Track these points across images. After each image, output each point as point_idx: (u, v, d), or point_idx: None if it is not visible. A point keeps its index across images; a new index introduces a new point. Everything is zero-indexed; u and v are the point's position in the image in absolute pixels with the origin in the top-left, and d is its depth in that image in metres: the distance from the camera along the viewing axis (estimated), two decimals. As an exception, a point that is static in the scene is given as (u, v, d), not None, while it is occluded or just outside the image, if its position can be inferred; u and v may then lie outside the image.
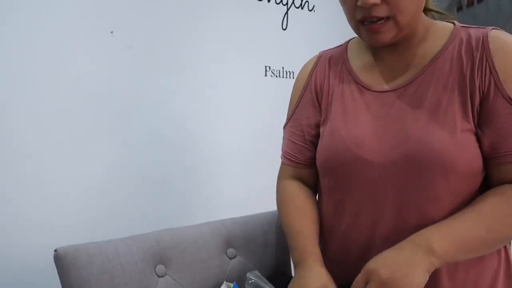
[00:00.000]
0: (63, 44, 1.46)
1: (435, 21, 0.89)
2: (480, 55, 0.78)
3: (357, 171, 0.84)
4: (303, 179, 1.02)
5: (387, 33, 0.80)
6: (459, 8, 4.26)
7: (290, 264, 1.22)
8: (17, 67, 1.38)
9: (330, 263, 0.94)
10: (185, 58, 1.74)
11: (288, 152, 1.02)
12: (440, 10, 0.93)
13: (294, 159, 1.01)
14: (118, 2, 1.57)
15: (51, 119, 1.44)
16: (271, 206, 1.19)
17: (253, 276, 0.95)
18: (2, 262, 1.35)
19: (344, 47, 0.99)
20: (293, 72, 2.05)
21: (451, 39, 0.83)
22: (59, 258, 0.87)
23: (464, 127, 0.77)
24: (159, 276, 0.97)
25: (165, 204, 1.69)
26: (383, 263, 0.72)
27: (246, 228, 1.14)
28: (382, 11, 0.77)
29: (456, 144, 0.76)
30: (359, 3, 0.77)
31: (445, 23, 0.89)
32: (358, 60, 0.94)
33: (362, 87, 0.90)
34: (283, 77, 2.02)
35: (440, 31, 0.86)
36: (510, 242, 0.93)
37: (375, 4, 0.76)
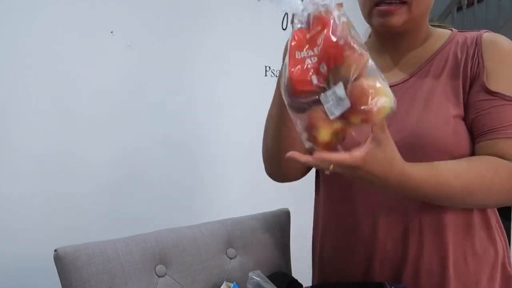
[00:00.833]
0: (63, 44, 1.46)
1: (436, 28, 0.96)
2: (473, 50, 0.85)
3: None
4: None
5: (400, 17, 0.84)
6: (459, 8, 4.26)
7: (290, 264, 1.22)
8: (17, 67, 1.39)
9: (328, 258, 0.99)
10: (185, 58, 1.74)
11: None
12: (442, 24, 0.99)
13: None
14: (118, 2, 1.57)
15: (51, 119, 1.44)
16: (271, 206, 1.19)
17: (255, 276, 0.95)
18: (2, 262, 1.35)
19: None
20: (293, 72, 2.05)
21: (448, 42, 0.90)
22: (59, 258, 0.87)
23: (456, 114, 0.83)
24: (159, 276, 0.97)
25: (166, 204, 1.69)
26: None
27: (246, 228, 1.14)
28: None
29: (450, 129, 0.82)
30: None
31: (445, 30, 0.95)
32: None
33: None
34: (283, 77, 2.02)
35: (440, 35, 0.92)
36: (510, 238, 0.94)
37: None
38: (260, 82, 1.95)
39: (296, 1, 0.68)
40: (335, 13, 0.65)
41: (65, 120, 1.47)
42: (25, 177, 1.40)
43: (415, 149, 0.78)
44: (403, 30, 0.87)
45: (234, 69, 1.87)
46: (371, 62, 0.63)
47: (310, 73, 0.65)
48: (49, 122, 1.44)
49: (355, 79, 0.63)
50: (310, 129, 0.65)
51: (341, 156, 0.65)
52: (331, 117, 0.63)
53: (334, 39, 0.63)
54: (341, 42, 0.63)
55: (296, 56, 0.67)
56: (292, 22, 0.69)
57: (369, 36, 1.02)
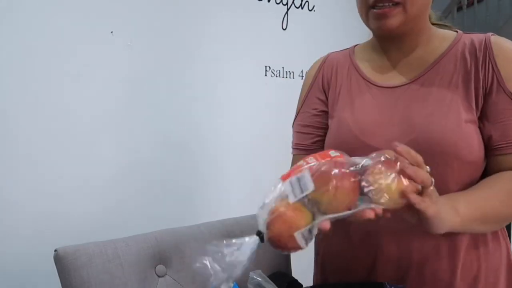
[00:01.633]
0: (63, 44, 1.46)
1: (439, 28, 0.94)
2: (483, 55, 0.84)
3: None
4: None
5: (395, 19, 0.83)
6: (459, 8, 4.26)
7: (290, 264, 1.22)
8: (17, 67, 1.39)
9: (330, 257, 0.99)
10: (185, 58, 1.74)
11: (296, 143, 1.06)
12: (446, 23, 0.98)
13: (302, 147, 1.04)
14: (118, 2, 1.57)
15: (51, 119, 1.44)
16: (271, 206, 1.18)
17: (256, 276, 0.95)
18: (2, 262, 1.35)
19: (351, 50, 1.03)
20: (293, 72, 2.05)
21: (454, 43, 0.88)
22: (59, 258, 0.87)
23: (467, 118, 0.82)
24: (159, 276, 0.97)
25: (166, 204, 1.69)
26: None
27: (246, 228, 1.14)
28: None
29: (460, 133, 0.81)
30: None
31: (449, 30, 0.94)
32: (365, 60, 0.98)
33: (369, 82, 0.93)
34: (283, 77, 2.02)
35: (444, 37, 0.91)
36: (510, 238, 0.95)
37: None
38: (260, 82, 1.95)
39: None
40: None
41: (65, 120, 1.47)
42: (25, 177, 1.40)
43: (423, 152, 0.77)
44: (401, 31, 0.86)
45: (234, 69, 1.87)
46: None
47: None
48: (49, 122, 1.44)
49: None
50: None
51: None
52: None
53: None
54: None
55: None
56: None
57: (371, 40, 1.02)
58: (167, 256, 1.00)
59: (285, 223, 0.65)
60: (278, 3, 1.99)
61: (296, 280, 1.11)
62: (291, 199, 0.64)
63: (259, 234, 0.69)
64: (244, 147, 1.89)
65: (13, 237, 1.37)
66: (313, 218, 0.64)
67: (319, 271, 1.05)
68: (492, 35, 0.87)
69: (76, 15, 1.48)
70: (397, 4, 0.82)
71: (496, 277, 0.87)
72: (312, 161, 0.66)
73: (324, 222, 0.64)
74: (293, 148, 1.07)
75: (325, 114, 1.00)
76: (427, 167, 0.67)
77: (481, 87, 0.83)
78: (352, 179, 0.63)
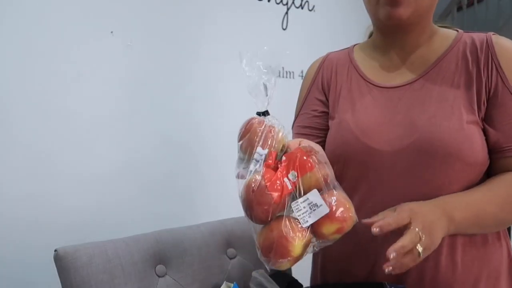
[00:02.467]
0: (63, 44, 1.46)
1: (441, 28, 0.94)
2: (485, 55, 0.83)
3: (364, 159, 0.87)
4: None
5: (407, 8, 0.82)
6: (459, 8, 4.25)
7: (290, 264, 1.22)
8: (17, 67, 1.39)
9: (330, 259, 0.99)
10: (185, 58, 1.74)
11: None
12: (447, 25, 0.97)
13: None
14: (118, 2, 1.57)
15: (51, 118, 1.44)
16: (271, 206, 1.18)
17: (258, 275, 0.96)
18: (2, 261, 1.35)
19: (350, 49, 1.02)
20: (293, 72, 2.05)
21: (456, 42, 0.88)
22: (59, 258, 0.87)
23: (470, 120, 0.81)
24: (159, 276, 0.97)
25: (166, 204, 1.69)
26: (422, 211, 0.74)
27: (246, 228, 1.14)
28: None
29: (462, 134, 0.80)
30: None
31: (450, 30, 0.93)
32: (364, 60, 0.97)
33: (370, 83, 0.93)
34: (283, 77, 2.02)
35: (445, 36, 0.90)
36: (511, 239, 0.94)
37: None
38: (260, 82, 1.95)
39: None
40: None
41: (65, 119, 1.47)
42: (25, 177, 1.40)
43: (425, 153, 0.76)
44: (409, 24, 0.86)
45: (234, 69, 1.86)
46: (333, 176, 0.69)
47: (283, 179, 0.65)
48: (49, 122, 1.44)
49: (329, 189, 0.66)
50: (280, 241, 0.63)
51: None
52: (304, 225, 0.63)
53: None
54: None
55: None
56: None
57: (369, 36, 1.01)
58: (167, 256, 1.00)
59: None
60: (278, 3, 1.99)
61: (296, 280, 1.11)
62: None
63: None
64: (244, 147, 1.89)
65: (13, 237, 1.37)
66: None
67: (319, 272, 1.04)
68: (493, 34, 0.86)
69: (76, 15, 1.48)
70: None
71: (497, 277, 0.87)
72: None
73: None
74: None
75: (325, 115, 1.00)
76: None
77: (484, 88, 0.82)
78: None
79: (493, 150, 0.83)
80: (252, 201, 0.65)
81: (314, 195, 0.64)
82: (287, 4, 2.02)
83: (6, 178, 1.37)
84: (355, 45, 1.03)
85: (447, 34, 0.90)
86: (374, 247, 0.87)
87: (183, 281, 1.00)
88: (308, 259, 1.12)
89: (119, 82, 1.58)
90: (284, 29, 2.02)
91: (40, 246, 1.33)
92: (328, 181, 0.67)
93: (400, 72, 0.90)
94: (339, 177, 0.91)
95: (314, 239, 0.66)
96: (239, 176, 0.74)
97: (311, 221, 0.63)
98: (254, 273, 0.98)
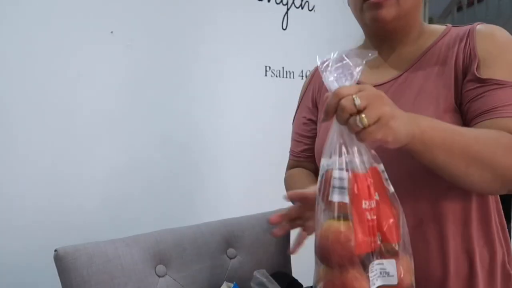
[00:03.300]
0: (63, 44, 1.46)
1: (431, 25, 0.95)
2: (465, 43, 0.84)
3: None
4: (304, 168, 1.11)
5: (390, 10, 0.85)
6: (459, 8, 4.26)
7: (290, 264, 1.22)
8: (17, 67, 1.39)
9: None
10: (185, 58, 1.74)
11: (291, 149, 1.13)
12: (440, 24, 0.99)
13: (293, 153, 1.12)
14: (118, 2, 1.57)
15: (51, 119, 1.44)
16: (271, 205, 1.19)
17: (259, 275, 0.96)
18: (2, 262, 1.35)
19: None
20: (293, 72, 2.05)
21: (442, 36, 0.90)
22: (59, 258, 0.87)
23: (447, 108, 0.82)
24: (159, 276, 0.97)
25: (166, 204, 1.69)
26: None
27: (246, 228, 1.14)
28: None
29: None
30: None
31: (439, 26, 0.94)
32: None
33: (358, 83, 0.93)
34: (283, 77, 2.02)
35: (433, 32, 0.92)
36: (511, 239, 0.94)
37: None
38: (260, 82, 1.95)
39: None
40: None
41: (65, 120, 1.47)
42: (25, 177, 1.40)
43: (404, 149, 0.76)
44: (394, 26, 0.88)
45: (234, 69, 1.87)
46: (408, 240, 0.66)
47: (373, 233, 0.63)
48: (49, 122, 1.44)
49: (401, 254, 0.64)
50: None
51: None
52: (372, 287, 0.62)
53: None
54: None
55: (363, 206, 0.62)
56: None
57: (364, 42, 1.02)
58: (167, 256, 1.00)
59: None
60: (278, 3, 1.99)
61: (296, 280, 1.11)
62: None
63: None
64: (244, 147, 1.89)
65: (13, 237, 1.37)
66: None
67: None
68: (479, 23, 0.87)
69: (76, 15, 1.48)
70: None
71: (491, 274, 0.87)
72: None
73: None
74: (289, 154, 1.14)
75: (312, 123, 1.05)
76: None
77: (460, 73, 0.83)
78: None
79: (472, 118, 0.80)
80: (335, 250, 0.63)
81: (390, 264, 0.63)
82: (287, 4, 2.02)
83: (6, 178, 1.37)
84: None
85: (436, 30, 0.92)
86: None
87: (183, 281, 1.00)
88: (308, 259, 1.12)
89: (119, 82, 1.58)
90: (284, 29, 2.02)
91: (40, 246, 1.34)
92: (405, 246, 0.65)
93: (388, 70, 0.93)
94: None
95: None
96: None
97: (377, 284, 0.63)
98: (255, 273, 0.98)
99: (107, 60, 1.55)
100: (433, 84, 0.84)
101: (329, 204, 0.63)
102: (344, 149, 0.63)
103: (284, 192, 1.35)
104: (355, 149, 0.64)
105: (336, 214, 0.61)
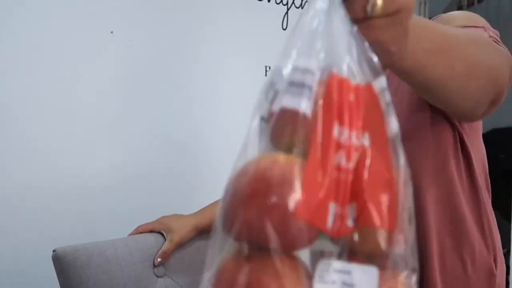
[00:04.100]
0: (63, 44, 1.46)
1: None
2: None
3: None
4: None
5: None
6: (459, 8, 4.25)
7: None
8: (17, 67, 1.38)
9: None
10: (185, 58, 1.74)
11: None
12: None
13: None
14: (118, 2, 1.56)
15: (51, 118, 1.44)
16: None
17: None
18: (0, 262, 1.35)
19: None
20: (293, 72, 2.05)
21: None
22: (58, 258, 0.87)
23: (420, 106, 0.81)
24: (158, 277, 0.97)
25: (165, 205, 1.68)
26: None
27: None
28: None
29: (412, 121, 0.81)
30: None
31: None
32: None
33: None
34: (283, 77, 2.01)
35: None
36: (510, 239, 0.93)
37: None
38: (260, 82, 1.93)
39: None
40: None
41: (64, 120, 1.47)
42: (24, 176, 1.40)
43: None
44: None
45: (234, 69, 1.86)
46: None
47: (331, 209, 0.31)
48: (49, 122, 1.44)
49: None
50: None
51: None
52: None
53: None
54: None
55: (333, 134, 0.33)
56: None
57: None
58: (166, 256, 1.00)
59: None
60: (278, 3, 1.99)
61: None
62: None
63: None
64: (244, 147, 1.89)
65: (11, 237, 1.37)
66: None
67: None
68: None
69: (76, 15, 1.48)
70: None
71: (474, 273, 0.86)
72: None
73: None
74: None
75: None
76: None
77: None
78: None
79: None
80: (260, 218, 0.31)
81: (366, 275, 0.32)
82: (287, 4, 2.02)
83: (5, 177, 1.37)
84: None
85: None
86: None
87: (182, 282, 1.00)
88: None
89: (119, 82, 1.58)
90: (284, 29, 2.01)
91: (39, 246, 1.33)
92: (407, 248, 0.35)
93: None
94: None
95: None
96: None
97: None
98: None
99: (107, 60, 1.55)
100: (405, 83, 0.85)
101: (270, 117, 0.36)
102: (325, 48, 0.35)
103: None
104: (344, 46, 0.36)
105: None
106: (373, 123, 0.35)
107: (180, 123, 1.74)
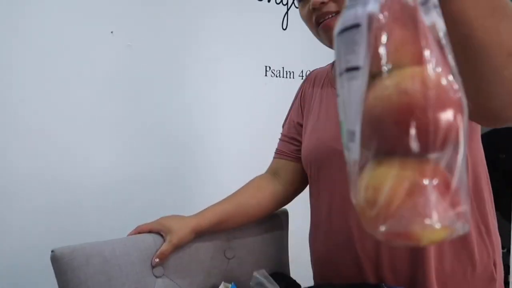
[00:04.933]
0: (63, 44, 1.46)
1: None
2: None
3: (331, 161, 0.94)
4: (277, 171, 1.15)
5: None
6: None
7: (288, 265, 1.22)
8: (17, 67, 1.39)
9: (316, 264, 1.04)
10: (185, 58, 1.74)
11: (276, 148, 1.18)
12: None
13: (279, 152, 1.15)
14: (118, 2, 1.57)
15: (50, 118, 1.44)
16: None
17: (259, 275, 0.96)
18: None
19: (331, 64, 1.10)
20: (293, 72, 2.05)
21: None
22: (56, 259, 0.87)
23: None
24: (156, 277, 0.97)
25: (165, 205, 1.68)
26: None
27: (244, 228, 1.14)
28: (331, 7, 0.86)
29: None
30: (310, 7, 0.87)
31: None
32: None
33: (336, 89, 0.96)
34: (283, 77, 2.01)
35: None
36: (510, 240, 0.93)
37: (323, 3, 0.86)
38: (260, 82, 1.95)
39: None
40: None
41: (64, 120, 1.47)
42: (23, 176, 1.40)
43: None
44: None
45: (234, 69, 1.86)
46: None
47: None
48: (49, 122, 1.44)
49: None
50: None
51: None
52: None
53: None
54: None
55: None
56: None
57: None
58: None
59: None
60: (278, 3, 1.99)
61: (295, 281, 1.11)
62: None
63: None
64: (243, 147, 1.89)
65: (9, 237, 1.37)
66: None
67: (315, 272, 1.06)
68: None
69: (76, 15, 1.48)
70: (336, 12, 0.86)
71: (474, 277, 0.87)
72: None
73: None
74: (274, 153, 1.19)
75: (300, 126, 1.10)
76: None
77: None
78: None
79: None
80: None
81: None
82: (287, 4, 2.02)
83: (4, 177, 1.37)
84: None
85: None
86: (358, 247, 0.89)
87: (181, 282, 0.99)
88: (307, 259, 1.12)
89: (119, 82, 1.58)
90: (284, 29, 2.01)
91: (37, 247, 1.34)
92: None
93: None
94: (315, 180, 1.01)
95: None
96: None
97: None
98: (255, 273, 0.98)
99: (107, 60, 1.55)
100: None
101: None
102: None
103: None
104: None
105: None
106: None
107: (180, 123, 1.74)
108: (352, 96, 0.36)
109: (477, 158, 0.88)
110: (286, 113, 1.21)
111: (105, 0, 1.54)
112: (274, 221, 1.20)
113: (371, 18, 0.34)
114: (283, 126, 1.18)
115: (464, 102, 0.32)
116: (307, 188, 1.10)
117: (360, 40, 0.35)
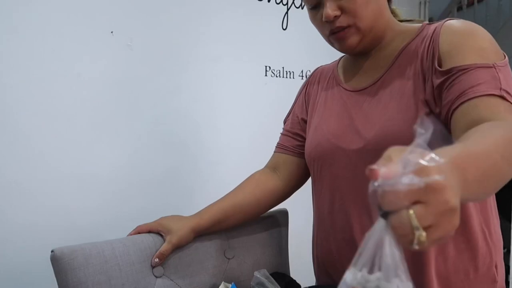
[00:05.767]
0: (63, 44, 1.46)
1: (406, 24, 0.97)
2: (430, 41, 0.85)
3: (334, 158, 0.95)
4: (277, 166, 1.15)
5: (353, 38, 0.89)
6: (459, 8, 4.25)
7: (288, 264, 1.22)
8: (17, 67, 1.38)
9: (319, 262, 1.03)
10: (185, 58, 1.74)
11: (278, 143, 1.17)
12: (408, 18, 1.01)
13: (281, 147, 1.15)
14: (118, 2, 1.57)
15: (50, 118, 1.44)
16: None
17: (260, 275, 0.96)
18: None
19: (337, 61, 1.11)
20: (293, 72, 2.05)
21: (415, 35, 0.90)
22: (56, 259, 0.87)
23: (422, 109, 0.82)
24: (156, 277, 0.97)
25: (165, 205, 1.68)
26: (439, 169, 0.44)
27: (244, 228, 1.14)
28: (343, 21, 0.88)
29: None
30: (323, 19, 0.89)
31: (415, 24, 0.95)
32: (344, 69, 1.05)
33: (343, 89, 1.00)
34: (283, 77, 2.02)
35: (409, 31, 0.92)
36: (510, 240, 0.93)
37: (336, 17, 0.87)
38: (260, 82, 1.95)
39: None
40: None
41: (64, 119, 1.47)
42: (23, 177, 1.40)
43: (382, 149, 0.69)
44: (363, 46, 0.91)
45: (234, 69, 1.87)
46: None
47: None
48: (49, 122, 1.44)
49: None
50: None
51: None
52: None
53: None
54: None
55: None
56: None
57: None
58: (165, 256, 1.00)
59: None
60: (278, 3, 1.99)
61: (295, 281, 1.11)
62: None
63: None
64: (244, 147, 1.89)
65: (9, 237, 1.37)
66: None
67: (317, 272, 1.06)
68: (450, 19, 0.86)
69: (76, 15, 1.48)
70: (348, 26, 0.87)
71: (475, 278, 0.86)
72: None
73: None
74: (275, 147, 1.18)
75: (305, 123, 1.10)
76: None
77: (426, 71, 0.83)
78: None
79: (447, 117, 0.77)
80: None
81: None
82: (287, 4, 2.02)
83: (4, 177, 1.37)
84: (342, 56, 1.09)
85: (411, 29, 0.92)
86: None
87: (181, 282, 0.99)
88: (306, 259, 1.12)
89: (119, 82, 1.58)
90: (284, 29, 2.01)
91: (37, 247, 1.33)
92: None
93: (367, 75, 0.95)
94: (318, 177, 1.01)
95: None
96: None
97: None
98: (256, 273, 0.98)
99: (107, 60, 1.55)
100: (406, 87, 0.85)
101: None
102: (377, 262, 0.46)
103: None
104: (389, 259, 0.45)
105: None
106: None
107: (180, 123, 1.74)
108: None
109: None
110: (286, 112, 1.21)
111: (105, 0, 1.54)
112: (274, 221, 1.20)
113: None
114: (284, 122, 1.18)
115: None
116: (308, 188, 1.10)
117: None
